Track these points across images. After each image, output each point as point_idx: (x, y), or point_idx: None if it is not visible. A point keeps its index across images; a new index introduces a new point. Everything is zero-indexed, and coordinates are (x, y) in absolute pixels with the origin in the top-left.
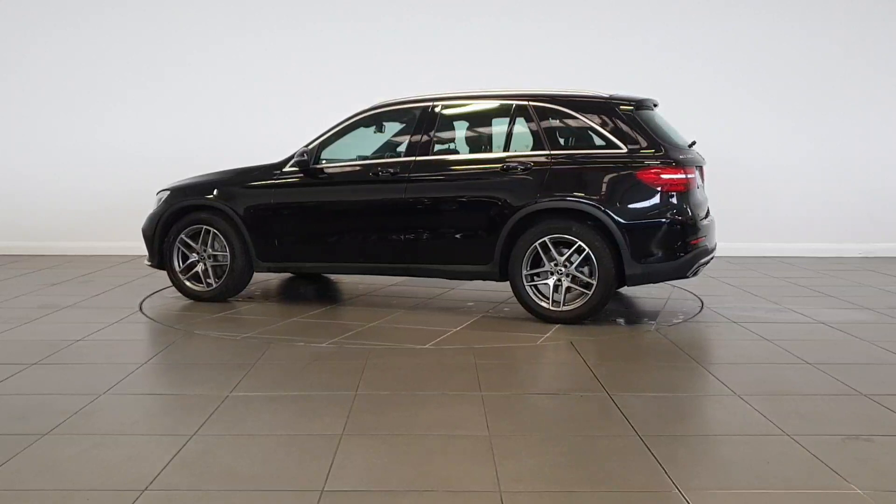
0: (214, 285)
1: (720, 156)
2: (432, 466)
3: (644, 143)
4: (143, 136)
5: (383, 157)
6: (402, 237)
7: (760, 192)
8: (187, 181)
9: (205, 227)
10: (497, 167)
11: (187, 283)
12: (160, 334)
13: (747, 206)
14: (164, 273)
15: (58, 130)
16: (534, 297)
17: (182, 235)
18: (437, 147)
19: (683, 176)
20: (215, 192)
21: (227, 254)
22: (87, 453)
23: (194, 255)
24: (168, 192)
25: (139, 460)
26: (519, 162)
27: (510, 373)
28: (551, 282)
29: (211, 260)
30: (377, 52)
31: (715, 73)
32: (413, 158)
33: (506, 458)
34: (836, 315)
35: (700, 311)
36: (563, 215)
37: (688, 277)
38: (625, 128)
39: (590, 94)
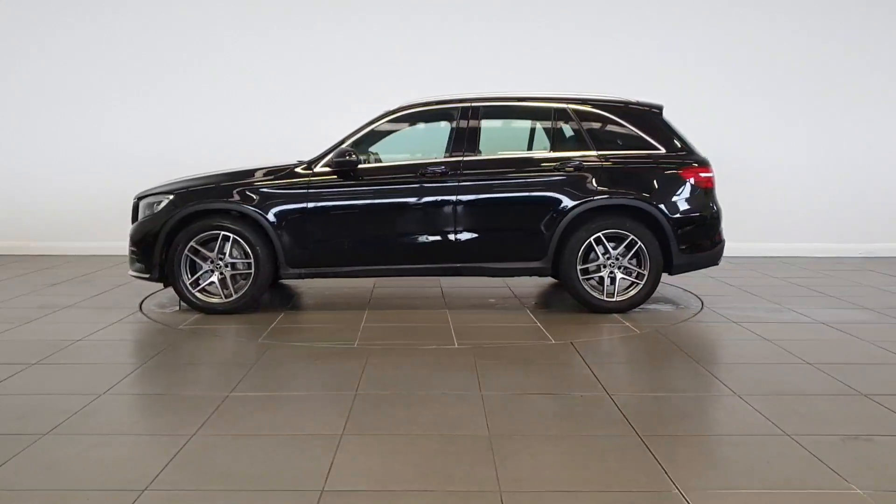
0: (235, 295)
1: (720, 156)
2: (432, 466)
3: (675, 145)
4: (143, 137)
5: (423, 157)
6: (454, 237)
7: (760, 193)
8: (188, 184)
9: (223, 232)
10: (550, 166)
11: (200, 296)
12: (160, 334)
13: (748, 206)
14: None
15: (58, 131)
16: (589, 290)
17: (193, 243)
18: (483, 147)
19: (713, 174)
20: (236, 194)
21: (250, 261)
22: (86, 453)
23: (207, 263)
24: (171, 197)
25: (139, 460)
26: (571, 161)
27: (510, 373)
28: (605, 274)
29: (229, 268)
30: (376, 53)
31: (715, 74)
32: (460, 158)
33: (506, 458)
34: (836, 315)
35: (700, 311)
36: (616, 211)
37: (717, 265)
38: (658, 130)
39: (621, 98)
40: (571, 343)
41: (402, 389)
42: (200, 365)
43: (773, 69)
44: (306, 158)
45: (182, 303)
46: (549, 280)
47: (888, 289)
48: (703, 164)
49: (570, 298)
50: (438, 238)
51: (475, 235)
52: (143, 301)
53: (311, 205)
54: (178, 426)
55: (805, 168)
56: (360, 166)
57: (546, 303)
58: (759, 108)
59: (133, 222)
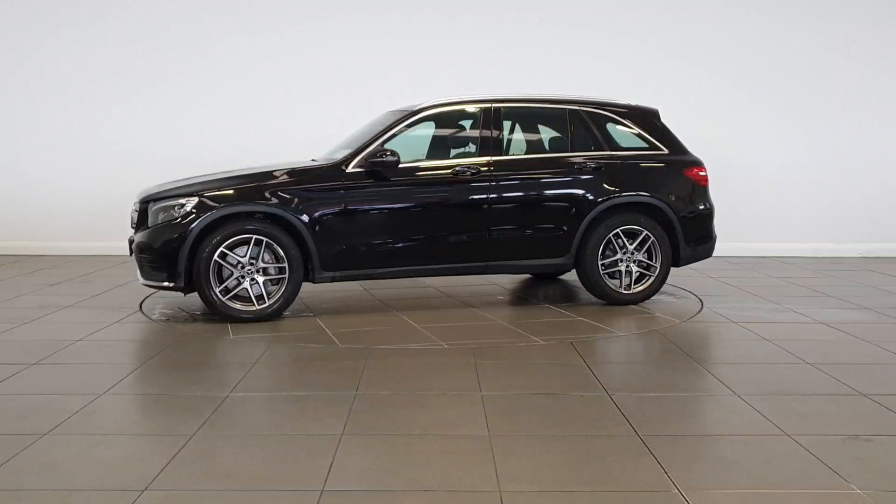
0: (268, 302)
1: (720, 156)
2: (432, 466)
3: (674, 146)
4: (143, 137)
5: (448, 157)
6: (485, 235)
7: (760, 193)
8: (211, 185)
9: (255, 236)
10: (574, 166)
11: (232, 304)
12: (160, 334)
13: (747, 206)
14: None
15: (59, 130)
16: (608, 283)
17: (222, 248)
18: (507, 147)
19: (707, 173)
20: (269, 195)
21: (281, 266)
22: (87, 453)
23: (237, 269)
24: (195, 199)
25: (139, 460)
26: (592, 161)
27: (510, 373)
28: (623, 268)
29: (261, 274)
30: (376, 53)
31: (714, 74)
32: (488, 158)
33: (506, 458)
34: (836, 315)
35: (700, 311)
36: (631, 209)
37: (710, 256)
38: (659, 132)
39: (624, 101)
40: (571, 343)
41: (401, 389)
42: (200, 365)
43: (773, 69)
44: (308, 157)
45: (186, 310)
46: (524, 275)
47: (888, 289)
48: (700, 164)
49: (561, 291)
50: (472, 237)
51: (506, 233)
52: (143, 301)
53: (347, 206)
54: (178, 426)
55: (805, 168)
56: (399, 166)
57: (552, 297)
58: (758, 108)
59: (138, 226)
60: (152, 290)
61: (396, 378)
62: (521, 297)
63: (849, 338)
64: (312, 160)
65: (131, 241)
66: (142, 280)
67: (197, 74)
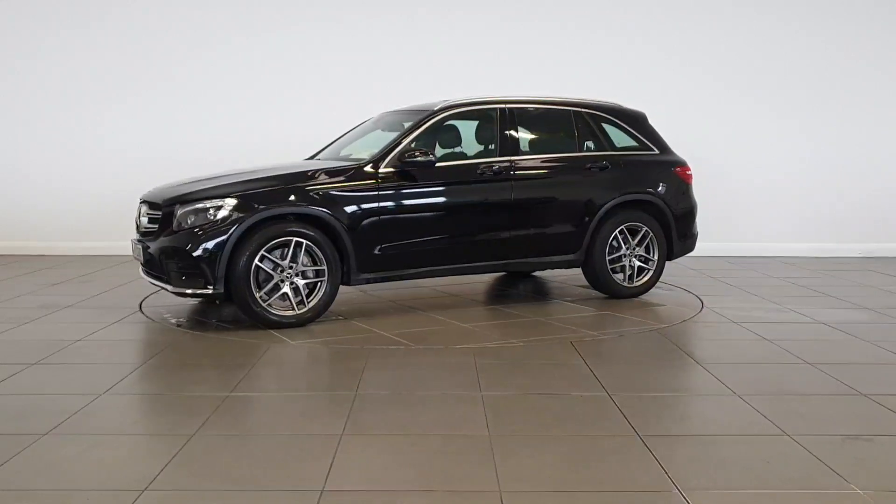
0: (308, 305)
1: (720, 156)
2: (432, 466)
3: (662, 146)
4: (144, 137)
5: (467, 158)
6: (508, 234)
7: (760, 193)
8: (244, 187)
9: (296, 239)
10: (585, 166)
11: (273, 310)
12: (160, 334)
13: (747, 206)
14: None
15: (59, 130)
16: (615, 278)
17: (263, 252)
18: (523, 147)
19: (691, 172)
20: (312, 195)
21: (319, 268)
22: (87, 453)
23: (277, 272)
24: (234, 201)
25: (139, 460)
26: (600, 161)
27: (510, 373)
28: (627, 263)
29: (300, 277)
30: (377, 53)
31: (714, 75)
32: (508, 158)
33: (506, 458)
34: (836, 315)
35: (700, 311)
36: (634, 206)
37: (693, 251)
38: (650, 133)
39: (615, 103)
40: (571, 343)
41: (402, 389)
42: (200, 365)
43: (773, 70)
44: (308, 156)
45: (213, 319)
46: (499, 273)
47: (888, 289)
48: (686, 164)
49: (537, 287)
50: (500, 235)
51: (529, 231)
52: (143, 301)
53: (384, 206)
54: (178, 426)
55: (805, 168)
56: (436, 166)
57: (560, 292)
58: (758, 108)
59: (161, 230)
60: (152, 291)
61: (396, 378)
62: (522, 295)
63: (849, 338)
64: (316, 159)
65: (146, 248)
66: (170, 289)
67: (197, 74)
